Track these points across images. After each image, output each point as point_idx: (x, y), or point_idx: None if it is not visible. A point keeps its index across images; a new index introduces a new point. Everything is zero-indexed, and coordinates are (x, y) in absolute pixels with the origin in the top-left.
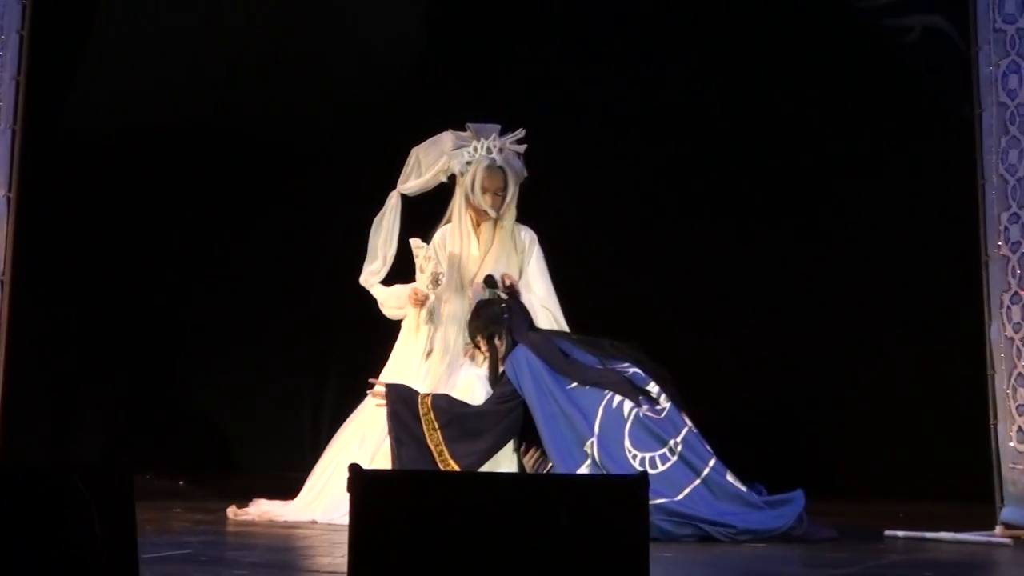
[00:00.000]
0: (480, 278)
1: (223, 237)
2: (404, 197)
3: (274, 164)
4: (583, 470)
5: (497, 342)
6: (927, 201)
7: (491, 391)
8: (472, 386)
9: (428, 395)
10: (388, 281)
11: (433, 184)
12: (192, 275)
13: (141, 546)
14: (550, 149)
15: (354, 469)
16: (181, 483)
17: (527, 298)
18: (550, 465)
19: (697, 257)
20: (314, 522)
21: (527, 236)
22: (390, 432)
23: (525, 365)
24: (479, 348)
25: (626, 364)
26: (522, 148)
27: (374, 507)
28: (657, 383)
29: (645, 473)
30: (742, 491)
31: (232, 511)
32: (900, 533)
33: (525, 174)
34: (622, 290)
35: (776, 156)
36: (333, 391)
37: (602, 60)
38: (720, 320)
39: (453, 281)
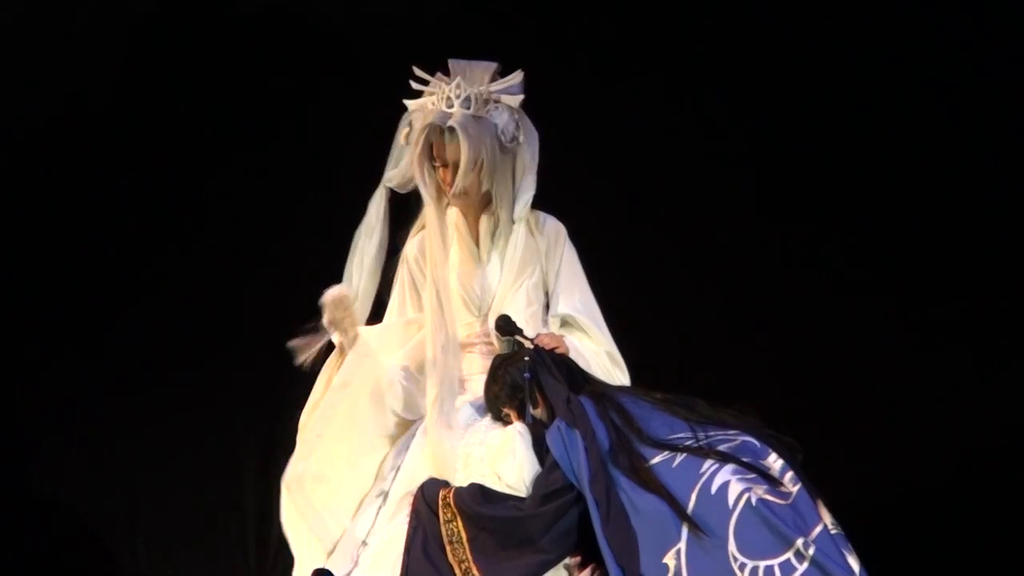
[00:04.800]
0: (493, 310)
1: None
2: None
3: None
4: None
5: (534, 411)
6: None
7: (539, 467)
8: (512, 447)
9: (451, 489)
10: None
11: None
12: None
13: None
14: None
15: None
16: None
17: (580, 344)
18: None
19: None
20: None
21: (552, 228)
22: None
23: (578, 441)
24: (510, 422)
25: (733, 431)
26: (517, 98)
27: None
28: (781, 456)
29: None
30: None
31: None
32: None
33: (521, 139)
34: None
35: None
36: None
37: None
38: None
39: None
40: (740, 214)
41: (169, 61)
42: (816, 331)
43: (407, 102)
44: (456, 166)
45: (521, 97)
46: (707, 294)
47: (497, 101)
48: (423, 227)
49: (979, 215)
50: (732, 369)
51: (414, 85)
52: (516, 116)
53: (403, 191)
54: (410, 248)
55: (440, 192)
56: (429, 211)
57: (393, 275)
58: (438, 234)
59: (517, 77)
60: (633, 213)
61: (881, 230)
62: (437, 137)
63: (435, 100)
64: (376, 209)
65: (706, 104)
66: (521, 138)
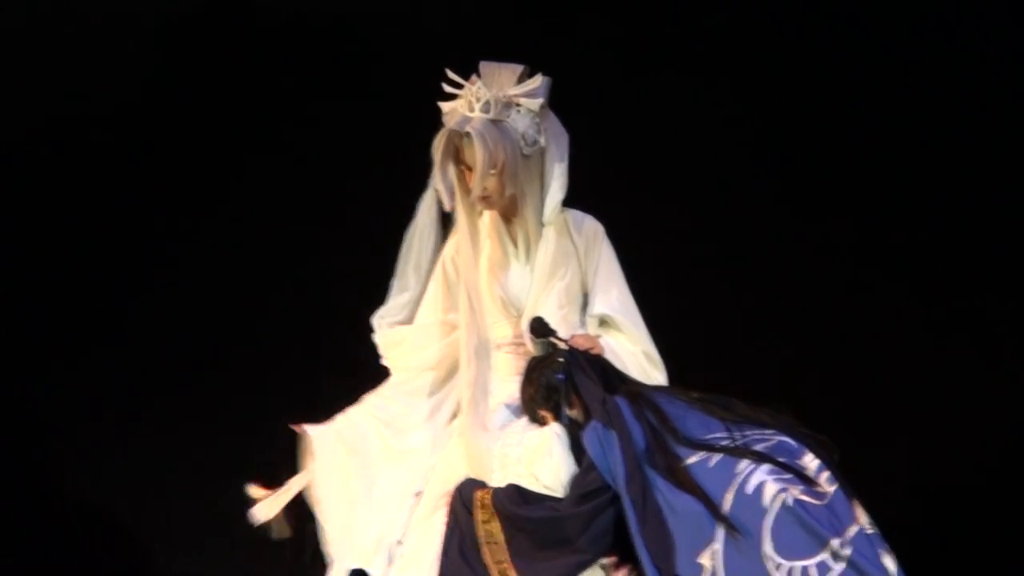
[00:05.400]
0: (525, 313)
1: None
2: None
3: None
4: None
5: (570, 412)
6: None
7: (575, 467)
8: (549, 448)
9: (488, 490)
10: None
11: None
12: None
13: None
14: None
15: None
16: None
17: (616, 342)
18: None
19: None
20: None
21: (590, 227)
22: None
23: (614, 441)
24: (546, 424)
25: (769, 431)
26: (537, 101)
27: None
28: (817, 456)
29: None
30: None
31: None
32: None
33: (535, 141)
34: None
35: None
36: None
37: None
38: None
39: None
40: (769, 211)
41: (195, 56)
42: (848, 329)
43: (441, 104)
44: (497, 175)
45: (540, 100)
46: (738, 293)
47: (519, 105)
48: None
49: (1001, 209)
50: (762, 369)
51: (447, 88)
52: (537, 120)
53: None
54: (448, 248)
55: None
56: (459, 214)
57: None
58: (468, 237)
59: (538, 80)
60: (662, 212)
61: (906, 223)
62: (459, 141)
63: (462, 103)
64: (427, 211)
65: (727, 100)
66: (543, 141)
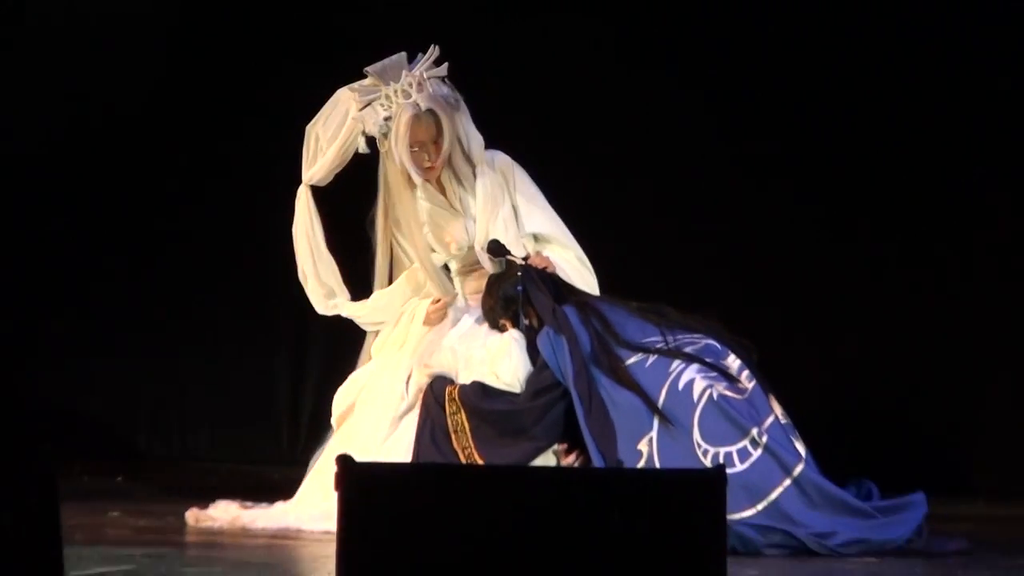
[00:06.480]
0: (478, 239)
1: (183, 197)
2: (317, 190)
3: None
4: None
5: (526, 320)
6: None
7: (531, 367)
8: (508, 350)
9: (456, 386)
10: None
11: (344, 159)
12: (146, 239)
13: (69, 560)
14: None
15: (343, 461)
16: (119, 479)
17: (554, 254)
18: None
19: (786, 214)
20: (299, 531)
21: (503, 160)
22: (417, 435)
23: (564, 345)
24: (506, 330)
25: (697, 335)
26: (443, 70)
27: (369, 509)
28: (739, 357)
29: (722, 467)
30: (846, 496)
31: (193, 515)
32: None
33: (458, 97)
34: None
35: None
36: (316, 366)
37: None
38: (816, 287)
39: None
40: (698, 134)
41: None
42: (774, 246)
43: (359, 112)
44: (436, 140)
45: (446, 65)
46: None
47: (431, 78)
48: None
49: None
50: (697, 281)
51: (361, 97)
52: (448, 83)
53: (322, 184)
54: (379, 220)
55: (407, 175)
56: (406, 192)
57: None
58: (412, 208)
59: (435, 52)
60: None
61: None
62: (413, 124)
63: (384, 101)
64: (305, 208)
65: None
66: (459, 98)
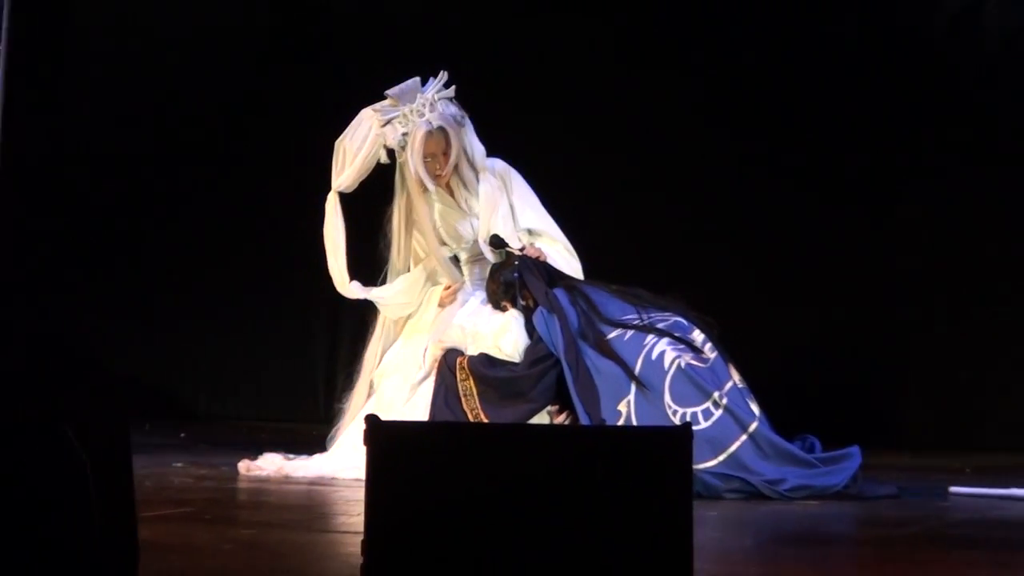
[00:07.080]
0: (481, 234)
1: (226, 170)
2: (345, 196)
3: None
4: None
5: (523, 302)
6: None
7: (528, 341)
8: (509, 327)
9: (465, 357)
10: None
11: (368, 168)
12: (194, 210)
13: (139, 504)
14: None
15: (371, 420)
16: (182, 435)
17: (545, 246)
18: None
19: (738, 185)
20: (334, 479)
21: (501, 166)
22: (432, 398)
23: (555, 322)
24: (507, 310)
25: (667, 313)
26: (451, 92)
27: (393, 461)
28: (702, 331)
29: (689, 424)
30: (793, 448)
31: (244, 466)
32: (966, 490)
33: (464, 115)
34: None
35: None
36: (349, 332)
37: None
38: (758, 249)
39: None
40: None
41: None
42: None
43: (381, 129)
44: (444, 154)
45: (453, 87)
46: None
47: (441, 99)
48: (401, 203)
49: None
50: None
51: (383, 116)
52: (455, 103)
53: (349, 191)
54: (395, 219)
55: (422, 181)
56: (421, 195)
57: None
58: (426, 209)
59: (443, 77)
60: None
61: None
62: (425, 140)
63: (401, 119)
64: (334, 210)
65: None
66: (465, 115)
